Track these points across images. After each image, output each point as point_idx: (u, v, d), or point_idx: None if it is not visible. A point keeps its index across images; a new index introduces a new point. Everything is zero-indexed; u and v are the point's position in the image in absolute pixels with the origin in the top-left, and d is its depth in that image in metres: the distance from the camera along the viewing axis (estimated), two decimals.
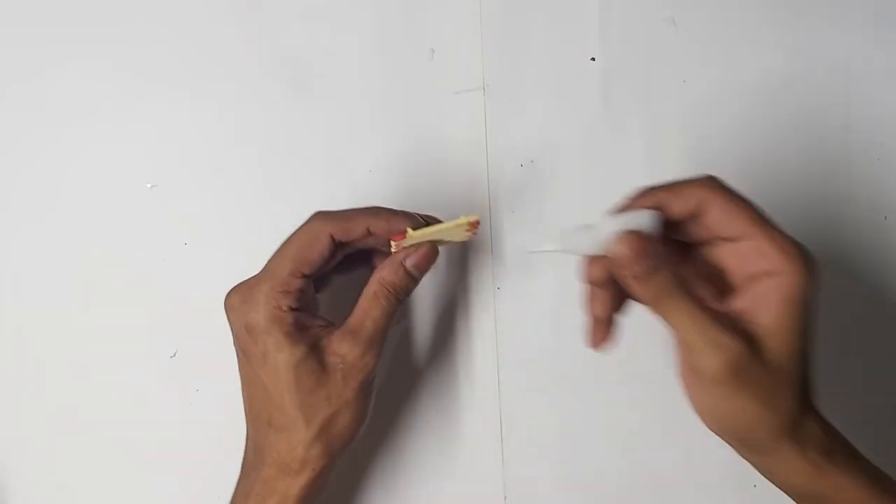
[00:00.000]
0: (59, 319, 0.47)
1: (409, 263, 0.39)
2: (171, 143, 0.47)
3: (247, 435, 0.41)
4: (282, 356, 0.37)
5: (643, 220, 0.34)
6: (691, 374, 0.35)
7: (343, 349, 0.38)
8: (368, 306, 0.39)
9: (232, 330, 0.39)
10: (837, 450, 0.35)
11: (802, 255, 0.33)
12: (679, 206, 0.34)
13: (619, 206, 0.36)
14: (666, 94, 0.49)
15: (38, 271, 0.47)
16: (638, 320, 0.43)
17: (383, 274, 0.39)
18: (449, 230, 0.39)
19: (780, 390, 0.34)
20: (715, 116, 0.49)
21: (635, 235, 0.33)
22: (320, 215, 0.39)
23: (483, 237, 0.47)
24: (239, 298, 0.38)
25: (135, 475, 0.46)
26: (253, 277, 0.39)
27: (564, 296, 0.47)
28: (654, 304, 0.34)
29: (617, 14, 0.49)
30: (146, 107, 0.47)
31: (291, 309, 0.37)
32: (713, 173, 0.36)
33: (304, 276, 0.38)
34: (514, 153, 0.48)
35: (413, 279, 0.40)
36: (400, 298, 0.39)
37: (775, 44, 0.49)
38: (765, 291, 0.33)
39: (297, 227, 0.40)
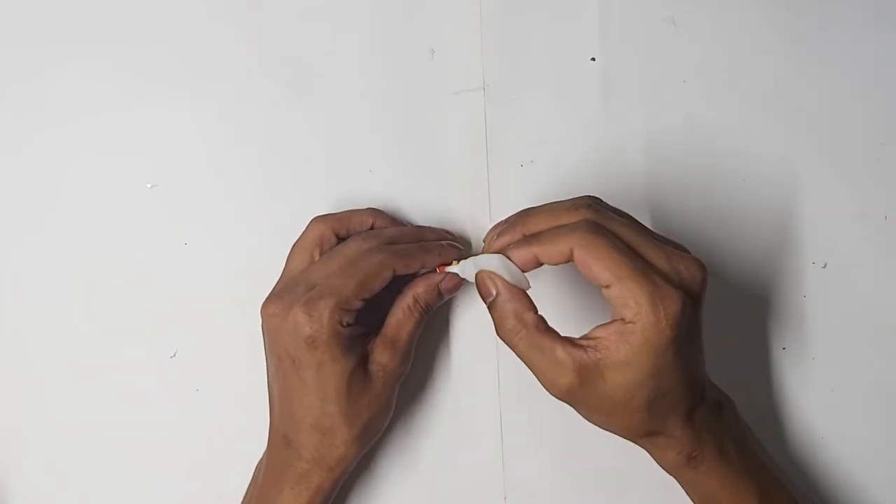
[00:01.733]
0: (59, 319, 0.47)
1: (443, 287, 0.43)
2: (171, 143, 0.47)
3: (275, 430, 0.42)
4: (337, 367, 0.40)
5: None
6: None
7: (384, 359, 0.41)
8: (404, 318, 0.42)
9: (276, 338, 0.40)
10: (705, 454, 0.39)
11: (657, 308, 0.36)
12: (553, 259, 0.38)
13: (498, 243, 0.40)
14: (666, 94, 0.49)
15: (38, 271, 0.47)
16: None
17: (419, 291, 0.43)
18: None
19: (621, 413, 0.38)
20: (715, 116, 0.49)
21: (480, 277, 0.40)
22: (387, 251, 0.41)
23: (483, 237, 0.47)
24: (301, 311, 0.39)
25: (135, 475, 0.46)
26: (296, 288, 0.40)
27: (564, 296, 0.47)
28: (502, 336, 0.40)
29: (617, 14, 0.49)
30: (146, 107, 0.47)
31: (349, 325, 0.40)
32: (592, 196, 0.40)
33: (364, 299, 0.40)
34: (514, 153, 0.48)
35: (443, 298, 0.44)
36: (429, 312, 0.44)
37: (775, 44, 0.49)
38: (622, 332, 0.36)
39: (349, 246, 0.41)
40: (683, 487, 0.42)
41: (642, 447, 0.41)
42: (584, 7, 0.49)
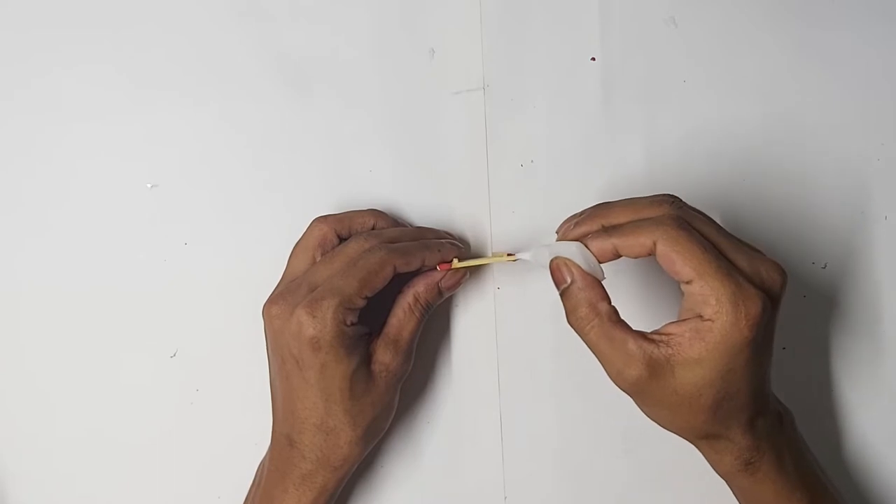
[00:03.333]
0: (59, 319, 0.47)
1: (443, 285, 0.43)
2: (172, 143, 0.47)
3: (279, 431, 0.42)
4: (340, 367, 0.40)
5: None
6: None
7: (386, 359, 0.41)
8: (405, 318, 0.43)
9: (280, 339, 0.40)
10: (762, 463, 0.39)
11: (738, 308, 0.36)
12: (633, 251, 0.38)
13: (575, 232, 0.40)
14: (666, 94, 0.49)
15: (39, 271, 0.47)
16: (638, 321, 0.43)
17: (419, 290, 0.43)
18: (488, 261, 0.45)
19: (686, 412, 0.38)
20: (715, 116, 0.49)
21: (555, 263, 0.40)
22: (388, 249, 0.41)
23: (483, 237, 0.47)
24: (304, 312, 0.39)
25: (135, 475, 0.46)
26: (298, 289, 0.40)
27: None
28: (573, 326, 0.40)
29: (617, 14, 0.49)
30: (146, 107, 0.47)
31: (352, 324, 0.40)
32: (679, 191, 0.39)
33: (367, 298, 0.40)
34: (514, 153, 0.48)
35: (443, 296, 0.44)
36: (430, 311, 0.44)
37: (775, 44, 0.49)
38: (698, 329, 0.36)
39: (350, 246, 0.41)
40: (735, 492, 0.42)
41: (699, 449, 0.41)
42: (584, 7, 0.49)
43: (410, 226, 0.47)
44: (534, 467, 0.47)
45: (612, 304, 0.39)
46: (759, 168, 0.49)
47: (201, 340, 0.47)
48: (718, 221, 0.46)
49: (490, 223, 0.48)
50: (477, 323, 0.47)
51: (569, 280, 0.39)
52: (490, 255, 0.47)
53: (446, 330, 0.47)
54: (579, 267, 0.39)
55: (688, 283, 0.37)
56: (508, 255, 0.44)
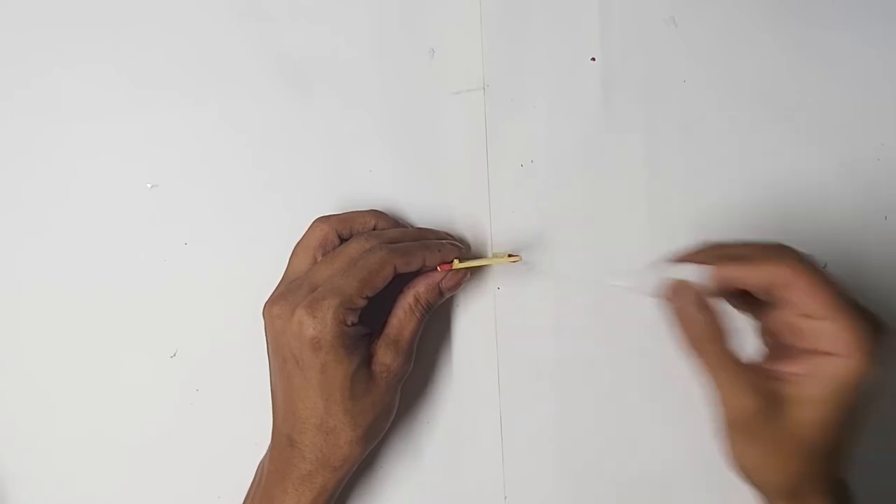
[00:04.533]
0: (59, 319, 0.47)
1: (444, 285, 0.43)
2: (172, 143, 0.47)
3: (279, 431, 0.42)
4: (341, 367, 0.40)
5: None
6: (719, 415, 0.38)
7: (387, 359, 0.42)
8: (405, 318, 0.43)
9: (280, 339, 0.40)
10: None
11: (869, 346, 0.34)
12: (755, 283, 0.36)
13: (689, 256, 0.39)
14: (666, 94, 0.49)
15: (39, 271, 0.47)
16: (638, 322, 0.43)
17: (420, 291, 0.43)
18: (489, 262, 0.45)
19: (789, 456, 0.37)
20: (715, 116, 0.49)
21: (677, 286, 0.38)
22: (388, 249, 0.41)
23: (483, 237, 0.47)
24: (305, 312, 0.39)
25: (135, 475, 0.46)
26: (299, 289, 0.40)
27: (564, 296, 0.47)
28: (691, 349, 0.38)
29: (617, 14, 0.49)
30: (146, 108, 0.47)
31: (353, 324, 0.40)
32: (785, 242, 0.38)
33: (367, 297, 0.40)
34: (514, 153, 0.48)
35: (443, 297, 0.44)
36: (431, 312, 0.44)
37: (775, 44, 0.49)
38: (820, 365, 0.35)
39: (351, 246, 0.41)
40: None
41: None
42: (584, 7, 0.49)
43: (411, 226, 0.47)
44: (534, 467, 0.47)
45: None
46: (758, 168, 0.49)
47: (201, 340, 0.47)
48: (718, 221, 0.47)
49: (490, 223, 0.48)
50: (477, 323, 0.47)
51: (688, 300, 0.38)
52: (491, 255, 0.47)
53: (446, 330, 0.47)
54: (699, 288, 0.37)
55: (820, 318, 0.35)
56: (510, 255, 0.44)
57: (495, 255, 0.47)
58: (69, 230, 0.47)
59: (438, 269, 0.43)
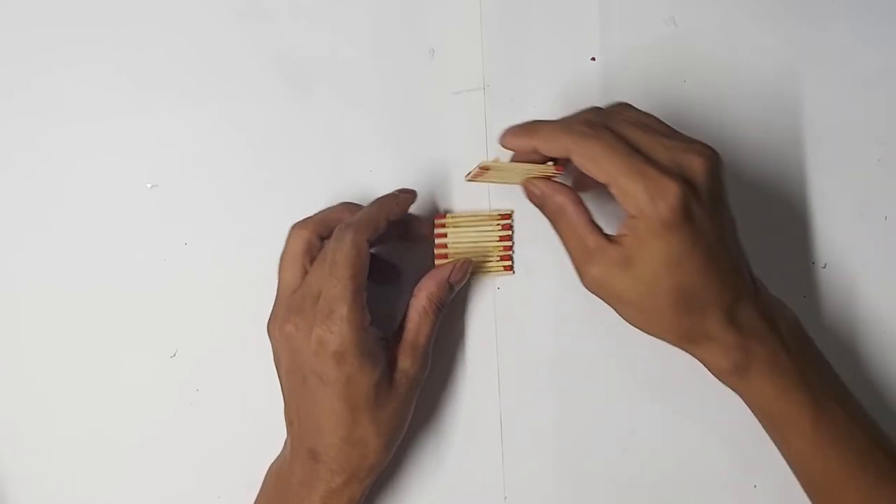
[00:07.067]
0: (59, 319, 0.47)
1: (453, 279, 0.44)
2: (172, 143, 0.47)
3: (300, 446, 0.41)
4: (364, 378, 0.39)
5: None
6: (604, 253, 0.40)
7: (406, 365, 0.42)
8: (420, 321, 0.43)
9: (298, 357, 0.40)
10: (752, 364, 0.40)
11: (655, 201, 0.37)
12: (550, 151, 0.40)
13: (504, 140, 0.41)
14: (666, 94, 0.49)
15: (39, 271, 0.47)
16: None
17: (432, 290, 0.43)
18: (480, 220, 0.47)
19: (654, 310, 0.39)
20: (715, 116, 0.49)
21: (525, 185, 0.43)
22: (351, 227, 0.40)
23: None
24: (323, 329, 0.39)
25: (135, 475, 0.46)
26: (304, 303, 0.40)
27: (564, 296, 0.47)
28: (553, 224, 0.41)
29: (617, 14, 0.49)
30: (146, 108, 0.47)
31: (369, 324, 0.40)
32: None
33: (365, 285, 0.40)
34: None
35: (453, 291, 0.44)
36: (443, 311, 0.44)
37: (775, 44, 0.49)
38: (633, 227, 0.38)
39: (329, 246, 0.41)
40: (741, 398, 0.42)
41: (693, 355, 0.41)
42: (584, 7, 0.49)
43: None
44: (534, 467, 0.47)
45: (584, 205, 0.41)
46: (758, 168, 0.49)
47: (201, 340, 0.47)
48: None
49: None
50: (477, 323, 0.47)
51: (540, 193, 0.41)
52: (487, 212, 0.47)
53: (447, 330, 0.47)
54: (546, 181, 0.41)
55: (606, 186, 0.38)
56: (501, 216, 0.46)
57: (490, 214, 0.47)
58: (69, 230, 0.47)
59: (435, 258, 0.43)
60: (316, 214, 0.44)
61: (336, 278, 0.39)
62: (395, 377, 0.41)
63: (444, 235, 0.46)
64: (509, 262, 0.47)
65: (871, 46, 0.49)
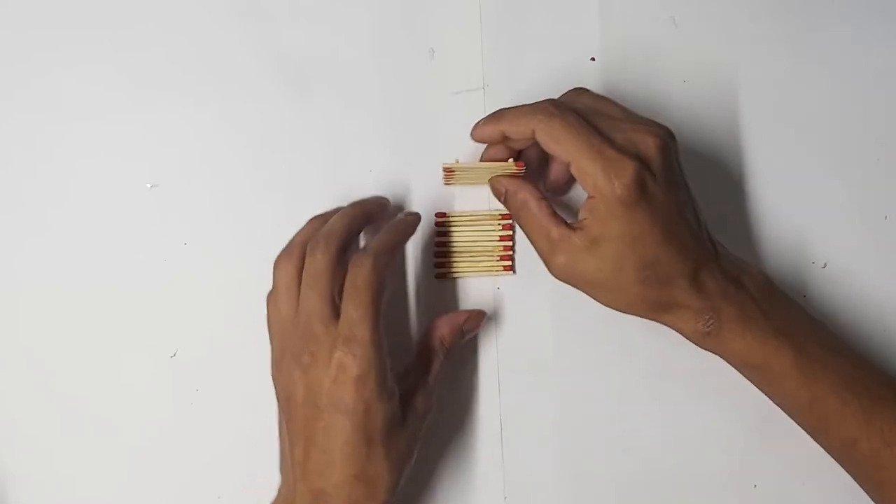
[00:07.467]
0: (59, 319, 0.47)
1: (466, 327, 0.45)
2: (172, 143, 0.47)
3: (305, 489, 0.39)
4: (382, 406, 0.39)
5: None
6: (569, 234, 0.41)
7: (418, 402, 0.42)
8: (432, 363, 0.43)
9: (314, 389, 0.39)
10: (722, 322, 0.41)
11: (610, 180, 0.38)
12: (517, 133, 0.41)
13: (473, 134, 0.43)
14: (666, 94, 0.49)
15: (39, 271, 0.47)
16: (637, 322, 0.43)
17: (444, 334, 0.44)
18: (481, 220, 0.47)
19: (618, 289, 0.41)
20: (715, 116, 0.49)
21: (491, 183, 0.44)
22: (321, 242, 0.40)
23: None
24: (343, 353, 0.38)
25: (135, 475, 0.46)
26: (310, 330, 0.39)
27: (564, 296, 0.47)
28: (516, 219, 0.43)
29: (617, 14, 0.49)
30: (146, 108, 0.47)
31: (387, 353, 0.40)
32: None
33: (382, 314, 0.40)
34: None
35: (464, 337, 0.45)
36: (452, 354, 0.45)
37: (775, 44, 0.49)
38: (592, 208, 0.40)
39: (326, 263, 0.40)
40: (723, 358, 0.43)
41: (667, 324, 0.42)
42: (584, 7, 0.49)
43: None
44: (534, 467, 0.47)
45: (546, 199, 0.42)
46: (758, 168, 0.49)
47: (201, 340, 0.47)
48: (718, 221, 0.47)
49: None
50: None
51: (504, 190, 0.43)
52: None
53: None
54: (508, 178, 0.43)
55: (568, 165, 0.40)
56: (503, 215, 0.47)
57: (491, 213, 0.47)
58: (69, 230, 0.47)
59: (435, 222, 0.45)
60: (294, 239, 0.42)
61: (357, 302, 0.39)
62: (407, 413, 0.41)
63: (445, 234, 0.47)
64: (509, 262, 0.47)
65: (871, 46, 0.49)
